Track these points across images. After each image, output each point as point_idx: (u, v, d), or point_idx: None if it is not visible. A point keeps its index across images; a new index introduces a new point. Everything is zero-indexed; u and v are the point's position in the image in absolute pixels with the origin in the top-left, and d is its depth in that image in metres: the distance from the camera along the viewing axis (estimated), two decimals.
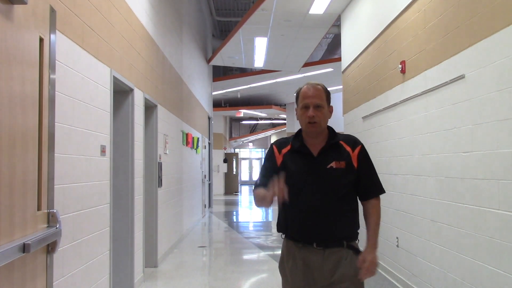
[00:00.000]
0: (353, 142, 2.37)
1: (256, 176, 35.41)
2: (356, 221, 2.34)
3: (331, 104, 2.40)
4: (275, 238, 9.41)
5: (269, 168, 2.37)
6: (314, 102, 2.30)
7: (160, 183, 6.26)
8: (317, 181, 2.27)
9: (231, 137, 28.75)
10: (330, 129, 2.41)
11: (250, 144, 35.82)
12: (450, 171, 3.88)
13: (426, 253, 4.40)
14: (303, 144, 2.37)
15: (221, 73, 18.11)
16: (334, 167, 2.27)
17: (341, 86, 9.14)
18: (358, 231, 2.35)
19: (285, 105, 21.42)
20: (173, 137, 7.48)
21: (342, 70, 8.11)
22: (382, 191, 2.39)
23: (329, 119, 2.40)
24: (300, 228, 2.30)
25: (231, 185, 22.96)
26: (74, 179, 3.22)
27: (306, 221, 2.27)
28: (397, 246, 5.18)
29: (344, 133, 6.98)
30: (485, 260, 3.33)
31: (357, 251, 2.29)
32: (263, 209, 15.23)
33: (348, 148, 2.33)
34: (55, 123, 2.37)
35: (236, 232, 10.03)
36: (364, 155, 2.36)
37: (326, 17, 8.45)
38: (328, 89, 2.41)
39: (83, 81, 3.42)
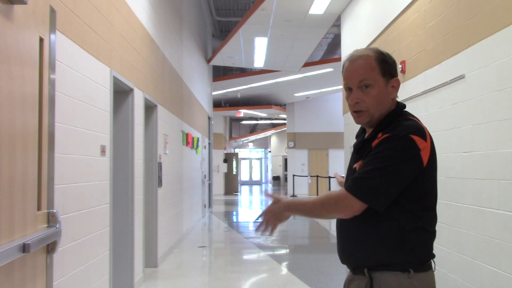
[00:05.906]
0: (390, 130, 1.61)
1: (255, 176, 35.37)
2: (389, 245, 1.60)
3: (394, 77, 1.72)
4: (275, 238, 9.41)
5: None
6: (356, 81, 1.67)
7: (160, 183, 6.26)
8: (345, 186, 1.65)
9: (231, 137, 28.74)
10: (390, 116, 1.68)
11: (250, 144, 35.81)
12: (450, 171, 3.88)
13: None
14: (359, 135, 1.84)
15: (221, 73, 18.10)
16: (356, 169, 1.66)
17: (341, 86, 9.13)
18: (407, 258, 1.59)
19: (285, 105, 21.39)
20: (173, 137, 7.48)
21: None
22: (353, 189, 1.58)
23: (395, 97, 1.72)
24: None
25: (231, 185, 22.97)
26: (74, 179, 3.22)
27: (337, 238, 1.80)
28: None
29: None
30: (485, 260, 3.33)
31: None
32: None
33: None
34: (55, 123, 2.37)
35: (236, 232, 10.03)
36: (378, 145, 1.59)
37: (326, 17, 8.46)
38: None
39: (83, 81, 3.42)
